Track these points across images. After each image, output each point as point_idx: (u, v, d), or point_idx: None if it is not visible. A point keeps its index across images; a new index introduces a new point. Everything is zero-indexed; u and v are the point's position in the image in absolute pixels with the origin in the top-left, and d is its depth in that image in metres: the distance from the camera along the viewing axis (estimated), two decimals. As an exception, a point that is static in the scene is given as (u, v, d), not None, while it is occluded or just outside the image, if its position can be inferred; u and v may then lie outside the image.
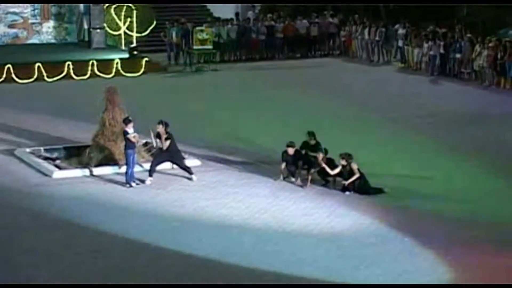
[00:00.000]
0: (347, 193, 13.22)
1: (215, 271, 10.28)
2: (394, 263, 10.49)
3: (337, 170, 13.33)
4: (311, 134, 14.10)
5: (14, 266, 10.40)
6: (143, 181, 13.70)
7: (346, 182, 13.20)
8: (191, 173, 13.94)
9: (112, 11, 26.01)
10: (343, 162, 13.28)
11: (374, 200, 12.89)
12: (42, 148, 15.51)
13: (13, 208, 12.56)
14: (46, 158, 14.98)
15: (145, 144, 15.19)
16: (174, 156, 13.98)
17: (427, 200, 12.90)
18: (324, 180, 13.61)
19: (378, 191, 13.20)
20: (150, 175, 13.77)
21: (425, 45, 24.35)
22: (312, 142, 14.02)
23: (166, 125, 13.89)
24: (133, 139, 13.60)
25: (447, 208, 12.52)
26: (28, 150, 15.45)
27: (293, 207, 12.59)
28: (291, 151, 13.72)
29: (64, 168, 14.43)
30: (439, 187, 13.61)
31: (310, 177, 13.53)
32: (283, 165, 13.73)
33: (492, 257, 10.62)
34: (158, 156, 13.98)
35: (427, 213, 12.31)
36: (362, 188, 13.19)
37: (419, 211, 12.42)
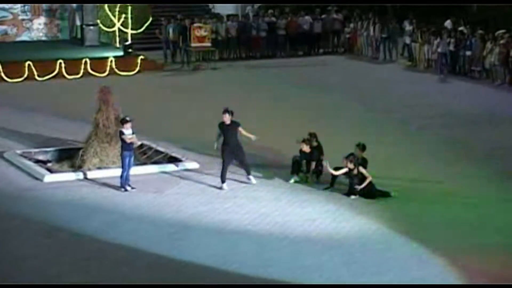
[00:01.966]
0: (352, 197, 13.01)
1: (214, 279, 10.08)
2: (401, 270, 10.27)
3: (342, 171, 13.12)
4: (313, 135, 13.93)
5: (3, 274, 10.19)
6: (220, 187, 13.27)
7: (359, 187, 12.96)
8: (249, 173, 13.53)
9: (105, 7, 25.86)
10: (350, 166, 12.98)
11: (380, 204, 12.72)
12: (33, 151, 15.33)
13: (2, 213, 12.37)
14: (37, 161, 14.80)
15: (141, 146, 14.97)
16: (235, 151, 13.46)
17: (436, 204, 12.71)
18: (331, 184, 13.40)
19: (385, 194, 12.98)
20: (223, 181, 13.35)
21: (434, 42, 24.06)
22: (314, 143, 13.87)
23: (232, 113, 13.44)
24: (128, 140, 13.24)
25: (457, 213, 12.31)
26: (18, 152, 15.26)
27: (296, 211, 12.38)
28: (306, 148, 13.63)
29: (56, 172, 14.25)
30: (449, 190, 13.42)
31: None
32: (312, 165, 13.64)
33: (503, 264, 10.41)
34: (226, 159, 13.41)
35: (436, 218, 12.07)
36: (368, 191, 12.97)
37: (427, 215, 12.21)
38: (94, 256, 10.71)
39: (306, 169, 13.70)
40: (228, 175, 13.72)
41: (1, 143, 16.07)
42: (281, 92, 21.46)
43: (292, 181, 13.63)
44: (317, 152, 13.75)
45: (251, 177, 13.52)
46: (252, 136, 13.60)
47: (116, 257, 10.71)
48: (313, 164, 13.67)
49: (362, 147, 13.32)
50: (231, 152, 13.43)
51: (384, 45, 26.47)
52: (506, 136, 16.83)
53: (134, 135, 13.39)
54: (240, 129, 13.47)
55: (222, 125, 13.47)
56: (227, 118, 13.41)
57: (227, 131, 13.41)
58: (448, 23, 25.35)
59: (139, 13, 26.20)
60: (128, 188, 13.27)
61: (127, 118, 13.44)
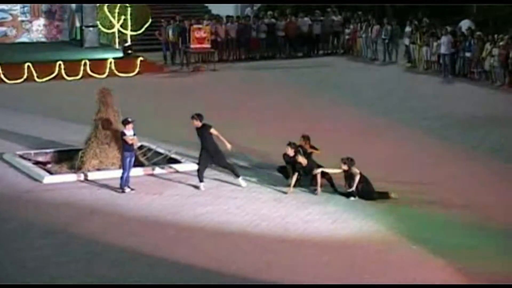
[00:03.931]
0: (352, 198, 12.89)
1: (213, 281, 10.00)
2: (401, 272, 10.18)
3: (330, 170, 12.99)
4: (306, 138, 13.78)
5: (3, 276, 10.12)
6: (197, 187, 13.28)
7: (352, 189, 12.84)
8: (237, 176, 13.44)
9: (105, 8, 25.71)
10: (345, 167, 12.92)
11: (380, 206, 12.56)
12: (32, 152, 15.22)
13: (1, 215, 12.28)
14: (36, 162, 14.69)
15: (140, 147, 14.89)
16: (215, 156, 13.39)
17: (437, 205, 12.56)
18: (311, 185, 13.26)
19: (384, 195, 12.86)
20: (201, 181, 13.31)
21: (434, 43, 23.92)
22: (307, 146, 13.71)
23: (199, 116, 13.37)
24: (130, 141, 13.19)
25: (458, 214, 12.18)
26: (17, 153, 15.17)
27: (295, 213, 12.27)
28: (290, 152, 13.40)
29: (56, 173, 14.14)
30: (449, 192, 13.26)
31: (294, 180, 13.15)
32: (294, 177, 13.26)
33: (503, 264, 10.31)
34: (201, 163, 13.36)
35: (436, 219, 11.97)
36: (367, 193, 12.87)
37: (428, 217, 12.09)
38: (93, 258, 10.61)
39: (292, 172, 13.36)
40: (227, 177, 13.63)
41: (0, 144, 15.94)
42: (280, 94, 21.31)
43: (291, 190, 13.27)
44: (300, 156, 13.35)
45: (240, 179, 13.40)
46: (227, 144, 13.43)
47: (115, 258, 10.61)
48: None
49: (307, 138, 13.28)
50: (207, 155, 13.32)
51: (384, 47, 26.35)
52: (507, 138, 16.69)
53: (135, 136, 13.35)
54: (212, 130, 13.32)
55: (196, 130, 13.44)
56: (196, 123, 13.34)
57: (200, 135, 13.36)
58: (464, 23, 25.06)
59: (139, 15, 26.12)
60: (128, 189, 13.18)
61: (129, 119, 13.40)
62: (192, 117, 13.45)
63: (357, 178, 12.76)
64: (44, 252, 10.84)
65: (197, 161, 13.56)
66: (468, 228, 11.63)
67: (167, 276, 10.10)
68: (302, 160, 13.16)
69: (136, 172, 13.80)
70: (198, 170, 13.42)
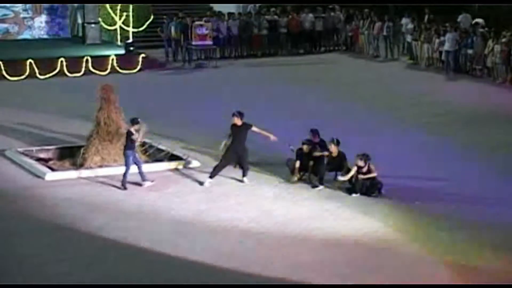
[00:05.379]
0: (354, 195, 12.89)
1: (215, 277, 10.04)
2: (403, 269, 10.19)
3: (351, 173, 12.95)
4: (314, 131, 13.86)
5: (4, 273, 10.13)
6: (201, 183, 13.33)
7: (342, 178, 12.94)
8: (245, 175, 13.50)
9: (107, 5, 25.60)
10: (361, 164, 12.91)
11: (382, 203, 12.58)
12: (34, 149, 15.24)
13: (3, 211, 12.30)
14: (38, 159, 14.70)
15: (143, 144, 14.86)
16: (241, 156, 13.41)
17: (439, 203, 12.57)
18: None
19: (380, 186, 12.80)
20: (211, 177, 13.31)
21: (436, 40, 23.86)
22: (316, 140, 13.79)
23: (241, 114, 13.39)
24: (138, 141, 13.33)
25: (460, 211, 12.18)
26: (19, 150, 15.18)
27: (297, 210, 12.32)
28: (306, 149, 13.54)
29: (58, 170, 14.14)
30: (451, 189, 13.26)
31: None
32: (297, 164, 13.47)
33: (505, 263, 10.29)
34: (226, 159, 13.37)
35: (438, 217, 11.94)
36: (369, 189, 12.85)
37: (430, 214, 12.05)
38: (95, 254, 10.66)
39: (305, 168, 13.48)
40: (228, 173, 13.64)
41: (2, 141, 15.97)
42: (282, 91, 21.28)
43: (294, 179, 13.46)
44: (318, 150, 13.55)
45: (245, 178, 13.44)
46: (271, 136, 13.55)
47: (117, 255, 10.66)
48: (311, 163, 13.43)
49: (336, 142, 13.31)
50: (235, 154, 13.36)
51: (385, 43, 26.33)
52: (507, 135, 16.66)
53: (140, 133, 13.27)
54: (254, 129, 13.40)
55: (233, 126, 13.42)
56: (237, 121, 13.35)
57: (237, 133, 13.35)
58: (463, 17, 24.88)
59: (141, 11, 26.10)
60: (146, 183, 13.07)
61: (138, 120, 13.35)
62: (233, 114, 13.44)
63: (373, 174, 12.76)
64: (45, 248, 10.86)
65: (195, 156, 13.53)
66: (470, 225, 11.58)
67: (169, 272, 10.09)
68: (334, 149, 13.29)
69: (157, 167, 13.86)
70: (216, 166, 13.37)
